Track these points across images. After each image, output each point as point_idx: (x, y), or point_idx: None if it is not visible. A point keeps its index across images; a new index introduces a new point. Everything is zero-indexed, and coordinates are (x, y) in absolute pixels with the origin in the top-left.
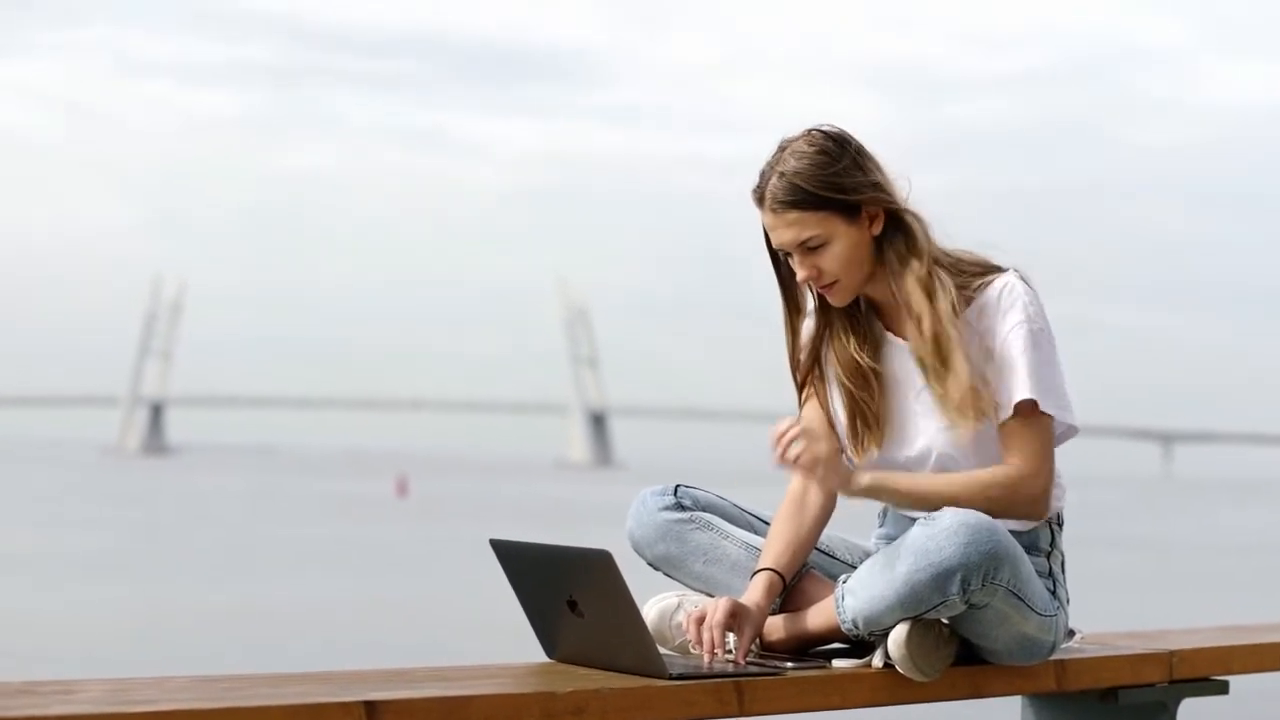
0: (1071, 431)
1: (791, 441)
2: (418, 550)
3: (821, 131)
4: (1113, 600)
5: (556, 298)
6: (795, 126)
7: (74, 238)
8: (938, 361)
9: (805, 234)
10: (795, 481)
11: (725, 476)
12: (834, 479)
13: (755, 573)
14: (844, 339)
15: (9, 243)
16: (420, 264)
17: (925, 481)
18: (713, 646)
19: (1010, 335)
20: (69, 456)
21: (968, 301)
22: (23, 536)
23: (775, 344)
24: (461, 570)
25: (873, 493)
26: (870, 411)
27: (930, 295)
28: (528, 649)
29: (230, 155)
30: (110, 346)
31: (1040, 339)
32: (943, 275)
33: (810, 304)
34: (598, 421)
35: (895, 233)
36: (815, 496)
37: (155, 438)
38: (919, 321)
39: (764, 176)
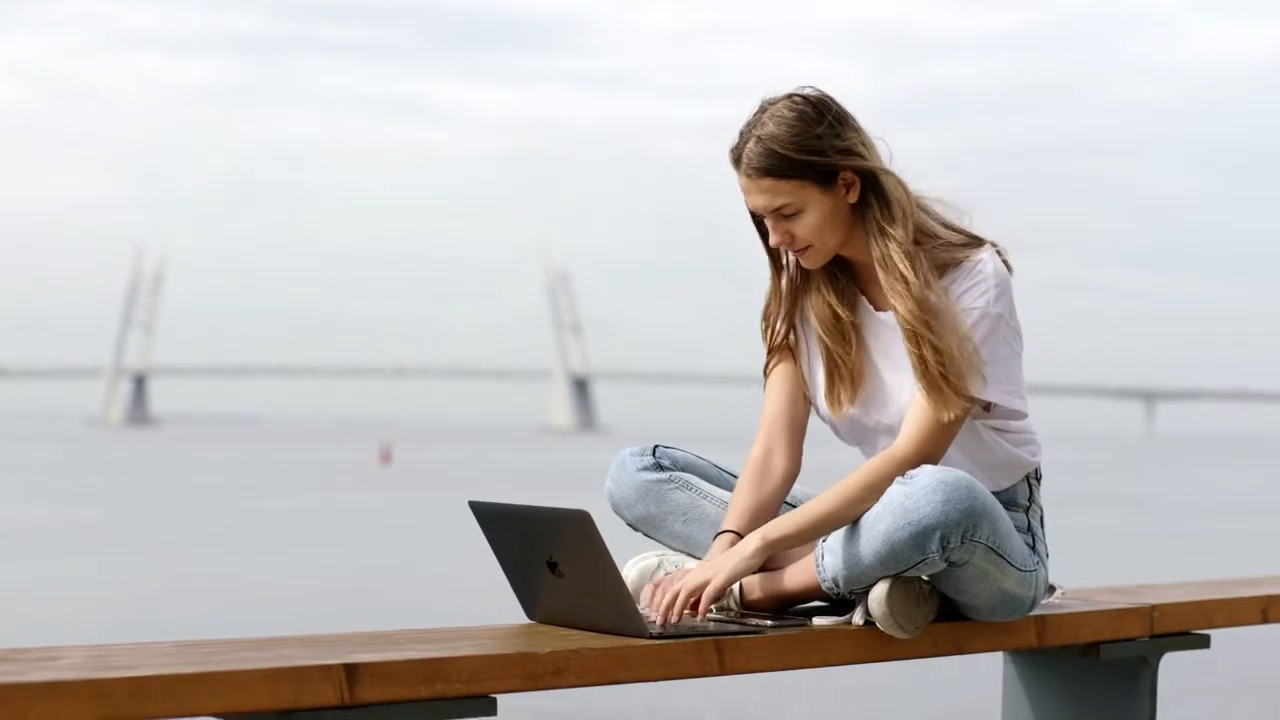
0: (1018, 415)
1: (671, 606)
2: (401, 517)
3: (802, 96)
4: (1094, 557)
5: (539, 264)
6: (777, 90)
7: (57, 210)
8: (924, 331)
9: (779, 201)
10: (758, 446)
11: (707, 439)
12: (735, 580)
13: (717, 535)
14: (824, 293)
15: None
16: (402, 231)
17: (806, 512)
18: (666, 611)
19: (961, 317)
20: (53, 428)
21: (941, 272)
22: (9, 508)
23: (757, 307)
24: (445, 535)
25: (767, 549)
26: (846, 367)
27: (913, 263)
28: (508, 610)
29: (212, 125)
30: (93, 318)
31: (996, 325)
32: (920, 244)
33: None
34: (581, 386)
35: (874, 199)
36: (778, 462)
37: (139, 409)
38: (903, 289)
39: (742, 138)
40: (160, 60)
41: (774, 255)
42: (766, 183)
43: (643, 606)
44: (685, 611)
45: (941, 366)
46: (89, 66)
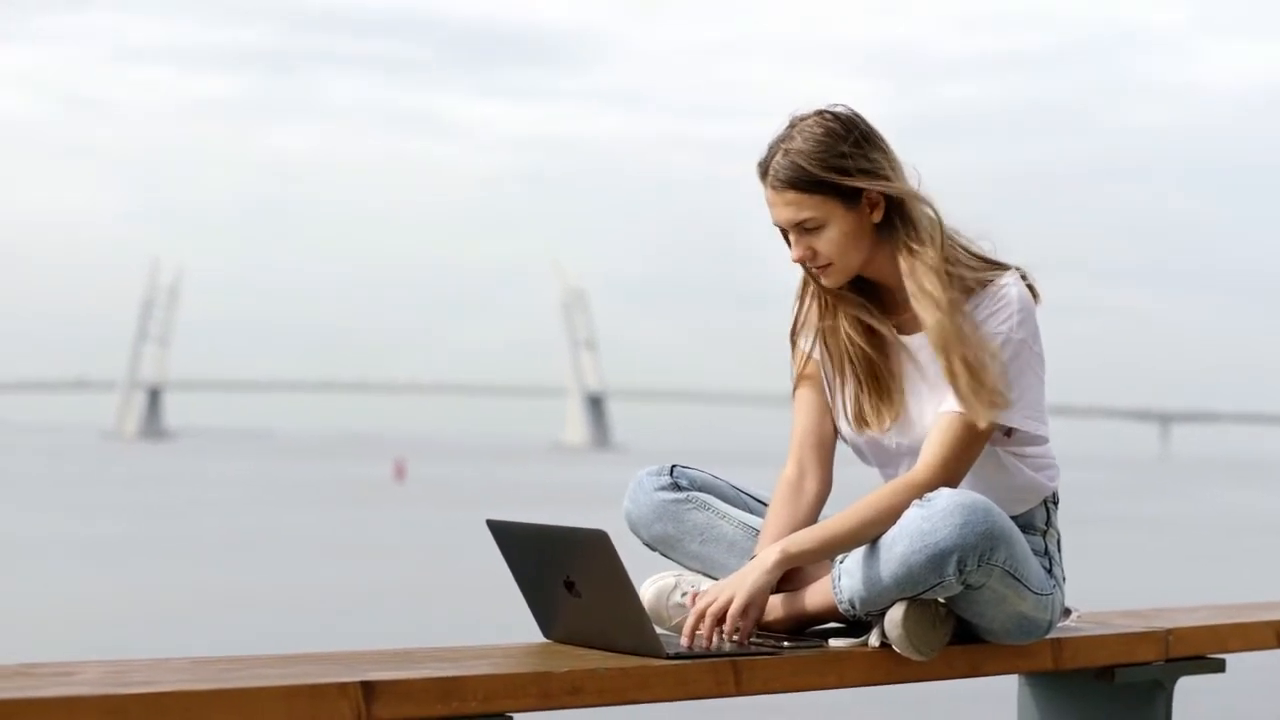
0: (1040, 440)
1: (710, 630)
2: (416, 534)
3: (832, 113)
4: (1110, 579)
5: (554, 280)
6: (792, 108)
7: (72, 223)
8: (955, 343)
9: (802, 215)
10: (790, 466)
11: (722, 458)
12: (757, 594)
13: (751, 557)
14: (855, 311)
15: (7, 229)
16: (418, 247)
17: (826, 529)
18: (695, 632)
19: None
20: (69, 441)
21: (965, 297)
22: (25, 521)
23: (771, 327)
24: (460, 553)
25: (786, 562)
26: (886, 383)
27: (942, 280)
28: (525, 629)
29: (226, 139)
30: (108, 331)
31: (1019, 350)
32: (951, 266)
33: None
34: (596, 404)
35: (899, 221)
36: (811, 482)
37: (153, 422)
38: (930, 302)
39: (770, 151)
40: (173, 73)
41: (807, 270)
42: (790, 195)
43: (676, 621)
44: (716, 631)
45: (974, 377)
46: (101, 79)
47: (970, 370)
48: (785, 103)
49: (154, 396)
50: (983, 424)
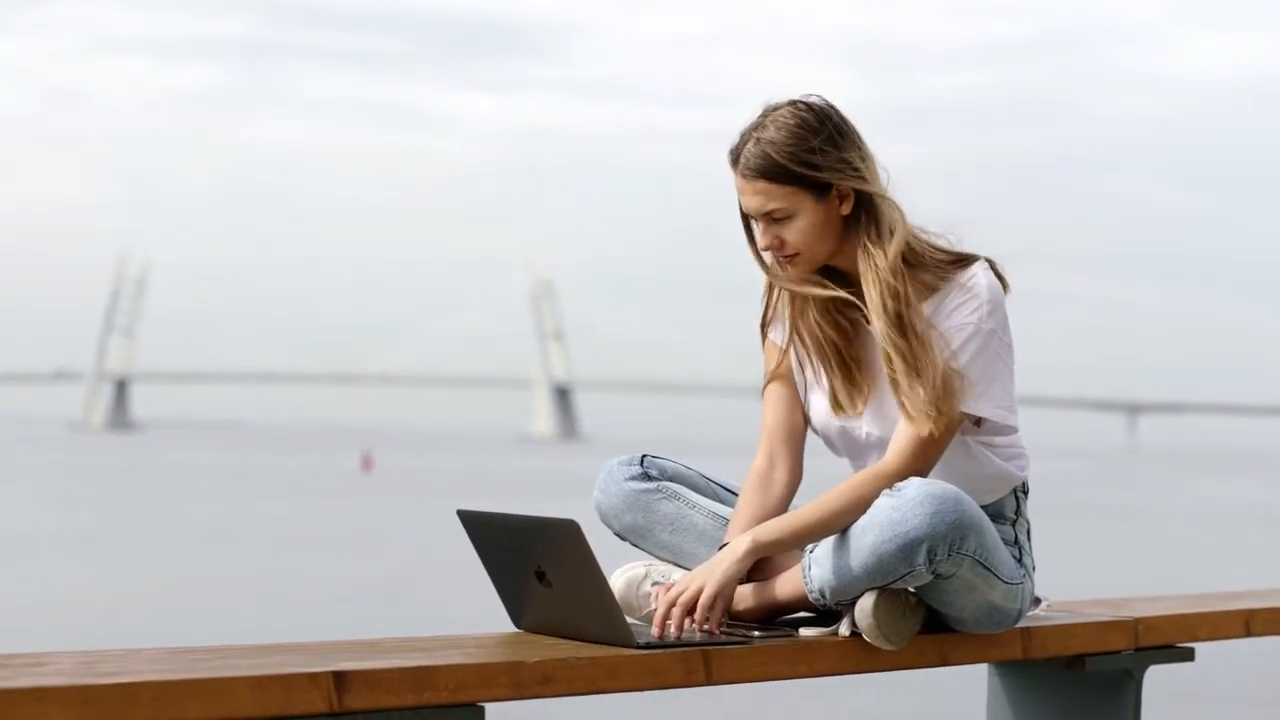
0: (1009, 430)
1: (680, 620)
2: (384, 524)
3: (806, 104)
4: (1079, 569)
5: (523, 272)
6: (769, 100)
7: (41, 214)
8: (902, 354)
9: (771, 205)
10: (760, 457)
11: (691, 450)
12: (727, 584)
13: (721, 547)
14: (825, 301)
15: None
16: (388, 239)
17: (796, 518)
18: (665, 621)
19: (953, 333)
20: (35, 432)
21: (932, 291)
22: None
23: (742, 318)
24: (429, 543)
25: (757, 551)
26: (858, 368)
27: (897, 284)
28: (496, 619)
29: (199, 131)
30: (75, 323)
31: (988, 341)
32: (910, 265)
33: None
34: (563, 395)
35: (866, 216)
36: (781, 473)
37: (120, 414)
38: (880, 309)
39: (742, 138)
40: (149, 65)
41: (765, 262)
42: (760, 185)
43: (646, 611)
44: (686, 620)
45: (914, 387)
46: (77, 70)
47: (910, 382)
48: (765, 93)
49: (121, 388)
50: (923, 432)
